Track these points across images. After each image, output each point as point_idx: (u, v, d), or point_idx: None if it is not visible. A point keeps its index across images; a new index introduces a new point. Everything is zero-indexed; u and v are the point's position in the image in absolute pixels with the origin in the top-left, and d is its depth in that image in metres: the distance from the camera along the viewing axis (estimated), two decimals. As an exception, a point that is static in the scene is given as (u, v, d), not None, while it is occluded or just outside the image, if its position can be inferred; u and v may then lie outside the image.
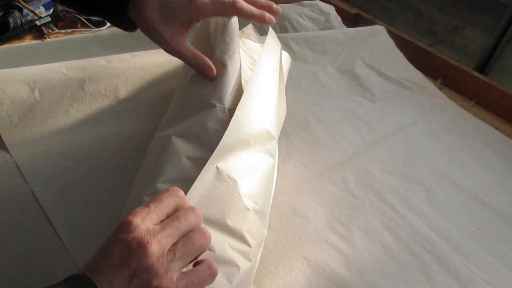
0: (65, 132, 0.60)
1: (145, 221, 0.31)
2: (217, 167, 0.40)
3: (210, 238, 0.34)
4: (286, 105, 0.75)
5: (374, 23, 1.03)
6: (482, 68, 1.04)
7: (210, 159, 0.39)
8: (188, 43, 0.49)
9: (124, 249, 0.29)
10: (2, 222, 0.48)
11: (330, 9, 0.97)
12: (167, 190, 0.34)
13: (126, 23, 0.49)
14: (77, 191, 0.53)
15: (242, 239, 0.40)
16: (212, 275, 0.33)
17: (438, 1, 1.11)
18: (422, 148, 0.72)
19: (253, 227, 0.41)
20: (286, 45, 0.85)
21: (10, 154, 0.57)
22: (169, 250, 0.31)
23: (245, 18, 0.50)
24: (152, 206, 0.32)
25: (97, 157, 0.57)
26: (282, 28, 0.92)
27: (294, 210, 0.56)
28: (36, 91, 0.61)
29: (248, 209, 0.41)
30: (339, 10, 1.03)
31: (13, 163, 0.56)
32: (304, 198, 0.58)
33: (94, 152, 0.58)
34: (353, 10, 1.08)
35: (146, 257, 0.29)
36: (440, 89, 0.91)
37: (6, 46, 0.81)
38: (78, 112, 0.62)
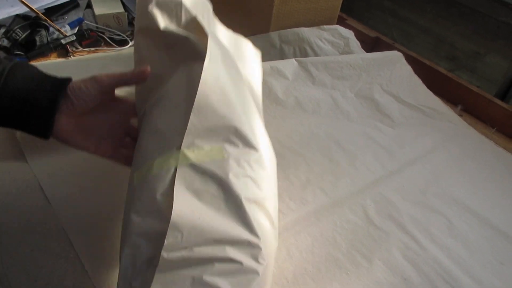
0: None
1: None
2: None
3: None
4: (305, 129, 0.76)
5: (393, 47, 1.03)
6: (504, 95, 1.03)
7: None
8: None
9: None
10: (25, 243, 0.48)
11: (349, 34, 0.97)
12: None
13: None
14: (97, 214, 0.53)
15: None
16: None
17: (459, 27, 1.11)
18: (443, 177, 0.71)
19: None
20: (305, 69, 0.85)
21: (32, 170, 0.58)
22: None
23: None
24: None
25: (118, 177, 0.57)
26: (302, 51, 0.92)
27: (313, 239, 0.55)
28: None
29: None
30: (358, 33, 1.03)
31: (36, 181, 0.57)
32: (324, 226, 0.57)
33: (114, 171, 0.58)
34: (373, 34, 1.09)
35: None
36: (460, 115, 0.91)
37: (32, 63, 0.83)
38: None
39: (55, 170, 0.59)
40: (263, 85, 0.80)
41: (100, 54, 0.90)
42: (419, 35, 1.21)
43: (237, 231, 0.36)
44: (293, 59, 0.86)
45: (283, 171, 0.66)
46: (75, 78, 0.68)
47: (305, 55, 0.92)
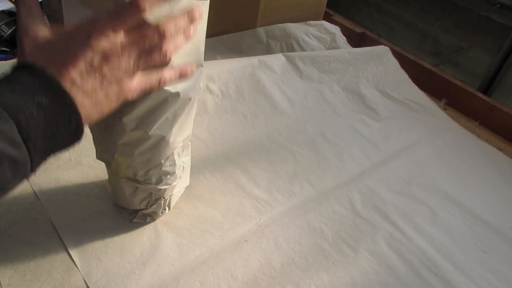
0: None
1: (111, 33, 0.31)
2: None
3: (170, 58, 0.35)
4: (293, 122, 0.76)
5: (379, 42, 1.05)
6: (486, 88, 1.05)
7: None
8: None
9: (95, 57, 0.31)
10: (14, 238, 0.48)
11: (335, 29, 0.98)
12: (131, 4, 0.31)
13: None
14: (86, 208, 0.53)
15: None
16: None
17: (442, 22, 1.13)
18: (427, 169, 0.73)
19: None
20: (292, 64, 0.86)
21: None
22: (133, 64, 0.33)
23: None
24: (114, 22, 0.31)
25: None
26: (289, 47, 0.93)
27: (300, 230, 0.56)
28: None
29: None
30: (344, 29, 1.04)
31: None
32: (311, 218, 0.58)
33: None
34: (358, 29, 1.10)
35: (117, 69, 0.32)
36: (444, 109, 0.92)
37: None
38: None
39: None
40: (251, 78, 0.80)
41: (86, 50, 0.89)
42: (404, 30, 1.23)
43: None
44: (281, 53, 0.86)
45: (270, 164, 0.66)
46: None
47: (292, 50, 0.92)
